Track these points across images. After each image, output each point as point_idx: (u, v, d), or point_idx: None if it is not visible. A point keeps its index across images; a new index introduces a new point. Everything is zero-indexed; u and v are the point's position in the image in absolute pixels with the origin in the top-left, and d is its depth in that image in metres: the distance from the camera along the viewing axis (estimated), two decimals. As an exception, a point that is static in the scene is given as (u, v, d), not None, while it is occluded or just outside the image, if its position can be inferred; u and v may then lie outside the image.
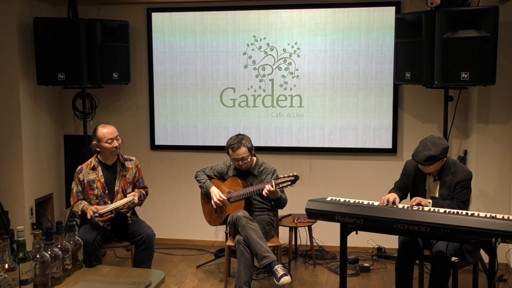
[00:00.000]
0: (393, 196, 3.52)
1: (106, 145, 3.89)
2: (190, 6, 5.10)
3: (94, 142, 3.93)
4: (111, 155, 3.96)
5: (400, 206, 3.42)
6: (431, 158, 3.45)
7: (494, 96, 4.51)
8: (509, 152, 4.53)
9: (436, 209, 3.27)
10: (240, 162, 4.10)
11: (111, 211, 3.73)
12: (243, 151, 4.07)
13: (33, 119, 4.95)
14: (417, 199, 3.47)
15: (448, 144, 3.59)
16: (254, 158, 4.23)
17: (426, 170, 3.58)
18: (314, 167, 5.13)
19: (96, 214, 3.73)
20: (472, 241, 3.00)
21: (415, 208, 3.32)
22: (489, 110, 4.56)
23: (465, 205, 3.54)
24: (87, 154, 4.60)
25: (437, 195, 3.62)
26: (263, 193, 3.94)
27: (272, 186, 3.91)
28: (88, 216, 3.73)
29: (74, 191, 3.92)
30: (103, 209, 3.75)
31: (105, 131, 3.91)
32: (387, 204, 3.43)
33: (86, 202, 3.86)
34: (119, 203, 3.79)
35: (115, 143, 3.92)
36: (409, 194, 3.78)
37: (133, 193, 3.95)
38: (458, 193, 3.55)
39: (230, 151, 4.11)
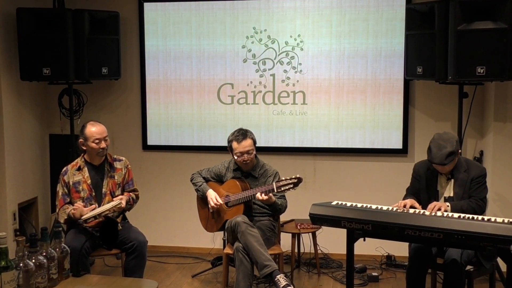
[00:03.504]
0: (411, 201, 3.54)
1: (93, 145, 3.89)
2: (185, -4, 5.12)
3: (81, 140, 3.93)
4: (97, 156, 3.96)
5: (412, 210, 3.42)
6: (450, 154, 3.50)
7: (513, 92, 4.51)
8: (529, 152, 4.54)
9: (450, 214, 3.28)
10: (246, 156, 4.10)
11: (95, 216, 3.71)
12: (249, 143, 4.10)
13: (16, 117, 4.95)
14: (436, 205, 3.46)
15: (460, 139, 3.63)
16: (255, 160, 4.24)
17: (445, 169, 3.61)
18: (318, 169, 5.14)
19: (80, 221, 3.73)
20: (488, 248, 3.00)
21: (427, 213, 3.32)
22: (507, 107, 4.56)
23: (483, 202, 3.59)
24: (74, 155, 4.61)
25: (451, 195, 3.65)
26: (256, 198, 3.96)
27: (261, 195, 3.92)
28: (77, 215, 3.72)
29: (60, 194, 3.92)
30: (88, 211, 3.74)
31: (94, 130, 3.91)
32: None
33: (72, 206, 3.86)
34: (104, 207, 3.77)
35: (103, 144, 3.92)
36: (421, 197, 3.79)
37: (120, 196, 3.94)
38: (475, 190, 3.59)
39: (234, 143, 4.11)
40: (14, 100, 4.93)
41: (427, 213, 3.32)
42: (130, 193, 4.04)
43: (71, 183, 3.92)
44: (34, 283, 2.34)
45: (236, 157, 4.17)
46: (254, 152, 4.16)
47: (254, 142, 4.17)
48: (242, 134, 4.13)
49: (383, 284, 4.57)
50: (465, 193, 3.60)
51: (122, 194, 4.01)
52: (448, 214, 3.25)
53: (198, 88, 5.20)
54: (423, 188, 3.75)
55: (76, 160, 4.03)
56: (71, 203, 3.90)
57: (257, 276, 4.23)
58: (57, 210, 3.94)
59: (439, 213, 3.29)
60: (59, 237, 2.58)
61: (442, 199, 3.68)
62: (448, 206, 3.49)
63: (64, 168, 3.99)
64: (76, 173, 3.94)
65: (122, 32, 5.08)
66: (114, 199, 3.91)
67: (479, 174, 3.63)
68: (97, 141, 3.90)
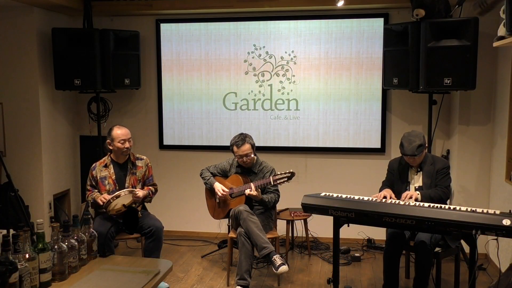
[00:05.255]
0: (388, 191, 3.56)
1: (118, 145, 3.90)
2: (196, 18, 5.10)
3: (108, 141, 3.94)
4: (122, 155, 3.96)
5: (388, 201, 3.43)
6: (419, 146, 3.54)
7: (475, 100, 4.51)
8: (488, 151, 4.53)
9: (421, 203, 3.28)
10: (244, 158, 4.10)
11: (109, 200, 3.69)
12: (247, 147, 4.08)
13: (51, 121, 4.95)
14: (409, 193, 3.49)
15: (429, 140, 3.65)
16: (254, 157, 4.23)
17: (415, 162, 3.62)
18: (309, 165, 5.14)
19: (104, 210, 3.74)
20: (454, 233, 3.00)
21: (402, 202, 3.32)
22: (470, 112, 4.56)
23: (448, 190, 3.62)
24: (101, 153, 4.61)
25: (420, 184, 3.67)
26: (245, 193, 3.96)
27: (252, 190, 3.93)
28: (100, 204, 3.73)
29: (88, 185, 3.95)
30: (107, 196, 3.73)
31: (119, 132, 3.92)
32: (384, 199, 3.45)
33: (97, 192, 3.88)
34: (121, 191, 3.74)
35: (127, 144, 3.93)
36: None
37: (139, 190, 3.95)
38: (440, 180, 3.62)
39: (235, 148, 4.11)
40: (50, 106, 4.94)
41: (401, 202, 3.33)
42: (150, 187, 4.04)
43: (98, 177, 3.92)
44: (66, 263, 2.34)
45: (236, 159, 4.17)
46: (252, 155, 4.14)
47: (252, 146, 4.14)
48: (241, 140, 4.10)
49: (364, 264, 4.57)
50: (432, 182, 3.63)
51: (142, 188, 4.01)
52: (420, 204, 3.26)
53: (207, 96, 5.20)
54: (396, 179, 3.77)
55: (103, 158, 4.03)
56: (98, 192, 3.92)
57: (257, 257, 4.23)
58: (86, 198, 3.97)
59: (411, 202, 3.29)
60: (88, 223, 2.58)
61: (413, 188, 3.69)
62: (418, 194, 3.51)
63: (93, 165, 4.00)
64: (103, 169, 3.95)
65: (142, 48, 5.08)
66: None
67: (443, 166, 3.66)
68: (122, 141, 3.90)
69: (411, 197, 3.46)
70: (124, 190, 3.78)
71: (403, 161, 3.71)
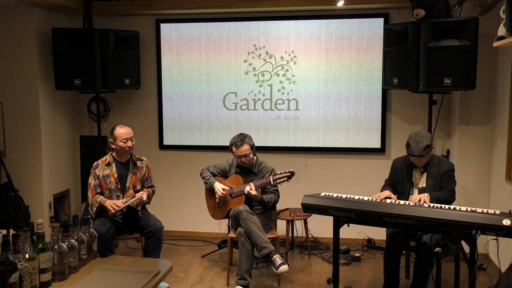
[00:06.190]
0: (388, 193, 3.54)
1: (121, 144, 3.91)
2: (196, 18, 5.10)
3: (111, 140, 3.96)
4: (125, 154, 3.97)
5: (388, 200, 3.42)
6: (427, 147, 3.51)
7: (475, 100, 4.51)
8: (488, 151, 4.53)
9: (421, 203, 3.28)
10: (243, 159, 4.10)
11: (121, 209, 3.74)
12: (246, 148, 4.07)
13: (51, 121, 4.95)
14: (418, 197, 3.42)
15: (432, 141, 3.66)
16: (254, 157, 4.23)
17: (421, 162, 3.60)
18: (309, 165, 5.14)
19: (111, 214, 3.75)
20: (454, 233, 3.00)
21: (402, 202, 3.32)
22: (470, 113, 4.56)
23: (453, 193, 3.59)
24: (101, 153, 4.62)
25: (424, 186, 3.64)
26: (245, 191, 3.95)
27: (252, 188, 3.92)
28: (112, 211, 3.74)
29: (92, 185, 3.93)
30: (120, 203, 3.76)
31: (122, 131, 3.93)
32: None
33: (103, 197, 3.88)
34: (131, 200, 3.80)
35: (129, 143, 3.94)
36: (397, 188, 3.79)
37: (142, 192, 3.96)
38: (446, 182, 3.59)
39: (233, 148, 4.11)
40: (50, 106, 4.94)
41: (401, 202, 3.32)
42: (149, 189, 4.05)
43: (101, 176, 3.92)
44: (66, 263, 2.34)
45: (235, 159, 4.17)
46: (251, 155, 4.13)
47: (251, 146, 4.12)
48: (240, 140, 4.09)
49: (364, 264, 4.57)
50: (436, 184, 3.60)
51: (142, 189, 4.02)
52: (420, 204, 3.26)
53: (207, 96, 5.20)
54: (400, 179, 3.75)
55: (105, 157, 4.03)
56: (102, 193, 3.91)
57: (257, 257, 4.23)
58: (89, 200, 3.94)
59: (412, 203, 3.29)
60: (88, 223, 2.58)
61: (417, 189, 3.68)
62: (427, 196, 3.47)
63: (95, 163, 3.99)
64: (105, 168, 3.95)
65: (142, 48, 5.08)
66: (136, 194, 3.91)
67: (449, 168, 3.63)
68: (124, 140, 3.91)
69: (423, 201, 3.39)
70: (135, 198, 3.80)
71: (408, 161, 3.69)
